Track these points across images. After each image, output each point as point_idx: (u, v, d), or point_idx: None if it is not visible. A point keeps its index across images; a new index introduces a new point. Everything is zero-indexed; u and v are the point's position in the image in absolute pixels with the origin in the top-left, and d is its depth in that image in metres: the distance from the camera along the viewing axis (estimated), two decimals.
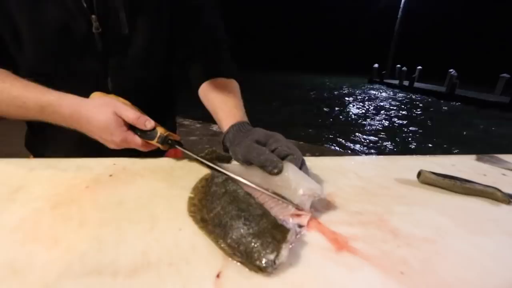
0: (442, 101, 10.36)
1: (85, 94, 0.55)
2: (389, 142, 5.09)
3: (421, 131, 6.01)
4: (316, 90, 11.28)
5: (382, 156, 0.69)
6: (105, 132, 0.51)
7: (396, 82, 13.91)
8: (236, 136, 0.52)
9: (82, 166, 0.52)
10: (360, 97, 10.32)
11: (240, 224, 0.34)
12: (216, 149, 0.56)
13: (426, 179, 0.53)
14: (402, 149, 4.80)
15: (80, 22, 0.55)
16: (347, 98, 9.74)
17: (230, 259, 0.31)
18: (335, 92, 11.03)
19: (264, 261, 0.30)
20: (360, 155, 4.21)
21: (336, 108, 7.80)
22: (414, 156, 0.70)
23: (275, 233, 0.33)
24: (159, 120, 0.56)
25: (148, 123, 0.53)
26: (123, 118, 0.52)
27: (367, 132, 5.61)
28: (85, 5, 0.54)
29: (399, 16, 17.38)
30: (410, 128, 6.17)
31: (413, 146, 5.03)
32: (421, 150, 4.83)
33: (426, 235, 0.38)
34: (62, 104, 0.52)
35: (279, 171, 0.42)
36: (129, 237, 0.34)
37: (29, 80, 0.53)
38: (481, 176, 0.60)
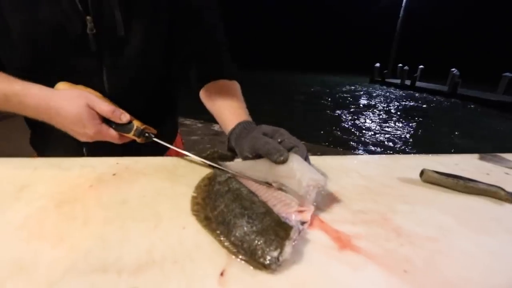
0: (444, 101, 10.33)
1: None
2: (391, 141, 5.08)
3: (423, 130, 5.99)
4: (317, 90, 11.26)
5: (384, 155, 0.69)
6: (77, 125, 0.51)
7: (398, 81, 13.86)
8: (243, 132, 0.53)
9: (85, 165, 0.52)
10: (361, 96, 10.30)
11: (244, 222, 0.35)
12: (218, 149, 0.56)
13: (429, 178, 0.53)
14: (404, 148, 4.79)
15: (75, 23, 0.54)
16: (348, 98, 9.72)
17: (233, 257, 0.32)
18: (337, 92, 11.00)
19: (268, 258, 0.30)
20: (362, 154, 4.21)
21: (338, 108, 7.78)
22: (417, 155, 0.70)
23: (278, 231, 0.33)
24: (158, 121, 0.56)
25: (123, 116, 0.53)
26: (97, 111, 0.52)
27: (369, 131, 5.60)
28: (79, 6, 0.53)
29: (400, 15, 17.32)
30: (412, 127, 6.16)
31: (416, 145, 5.02)
32: (424, 149, 4.82)
33: (429, 234, 0.39)
34: (27, 94, 0.51)
35: (285, 160, 0.43)
36: (133, 236, 0.34)
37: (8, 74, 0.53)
38: (484, 175, 0.60)
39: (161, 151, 0.66)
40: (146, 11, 0.59)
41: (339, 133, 5.37)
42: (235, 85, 0.69)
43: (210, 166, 0.51)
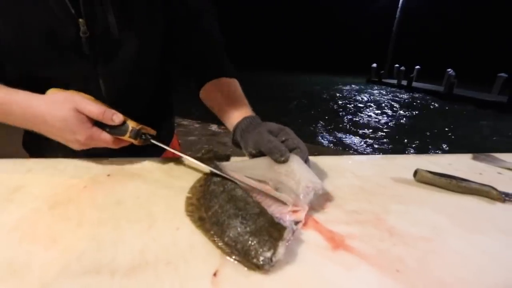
0: (440, 101, 10.39)
1: None
2: (387, 141, 5.11)
3: (418, 130, 6.03)
4: (314, 90, 11.28)
5: (379, 155, 0.69)
6: (66, 131, 0.47)
7: (395, 81, 13.94)
8: (249, 126, 0.53)
9: (80, 166, 0.52)
10: (358, 96, 10.33)
11: (237, 223, 0.35)
12: (213, 148, 0.56)
13: (422, 178, 0.53)
14: (399, 148, 4.82)
15: (67, 27, 0.52)
16: (345, 98, 9.75)
17: (227, 257, 0.32)
18: (333, 92, 11.03)
19: (261, 258, 0.30)
20: (358, 155, 4.22)
21: (334, 108, 7.81)
22: (411, 155, 0.70)
23: (272, 231, 0.33)
24: (155, 122, 0.55)
25: (116, 117, 0.49)
26: (86, 114, 0.48)
27: (365, 132, 5.62)
28: (72, 10, 0.51)
29: (397, 16, 17.42)
30: (408, 127, 6.19)
31: (411, 145, 5.04)
32: (419, 149, 4.85)
33: (422, 233, 0.39)
34: (12, 101, 0.47)
35: (285, 160, 0.44)
36: (127, 237, 0.34)
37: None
38: (477, 175, 0.60)
39: (158, 152, 0.66)
40: (141, 12, 0.58)
41: (335, 133, 5.38)
42: (236, 82, 0.69)
43: (206, 167, 0.51)
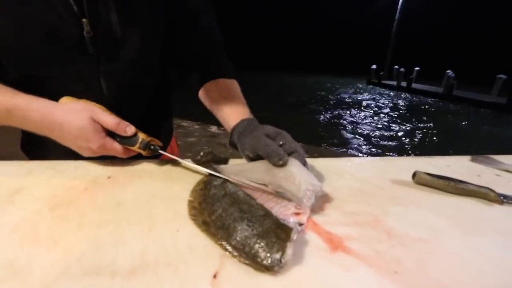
0: (439, 102, 10.41)
1: (78, 97, 0.54)
2: (386, 143, 5.11)
3: (417, 132, 6.03)
4: (313, 91, 11.29)
5: (378, 157, 0.69)
6: (81, 139, 0.49)
7: (394, 83, 13.94)
8: (246, 129, 0.53)
9: (80, 168, 0.52)
10: (357, 98, 10.34)
11: (244, 226, 0.35)
12: (212, 150, 0.57)
13: (421, 180, 0.54)
14: (398, 150, 4.82)
15: (71, 26, 0.53)
16: (344, 99, 9.75)
17: (226, 259, 0.32)
18: (333, 93, 11.04)
19: (270, 260, 0.30)
20: (357, 156, 4.23)
21: (334, 109, 7.80)
22: (410, 157, 0.71)
23: (279, 233, 0.33)
24: (155, 122, 0.56)
25: (128, 129, 0.52)
26: (101, 124, 0.50)
27: (365, 133, 5.62)
28: (75, 8, 0.52)
29: (396, 17, 17.46)
30: (407, 129, 6.19)
31: (409, 147, 5.04)
32: (417, 151, 4.85)
33: (420, 235, 0.39)
34: (31, 108, 0.49)
35: (284, 164, 0.44)
36: (127, 238, 0.34)
37: (3, 84, 0.51)
38: (476, 177, 0.61)
39: (156, 155, 0.66)
40: (143, 11, 0.59)
41: (334, 134, 5.38)
42: (235, 83, 0.69)
43: (205, 169, 0.51)
